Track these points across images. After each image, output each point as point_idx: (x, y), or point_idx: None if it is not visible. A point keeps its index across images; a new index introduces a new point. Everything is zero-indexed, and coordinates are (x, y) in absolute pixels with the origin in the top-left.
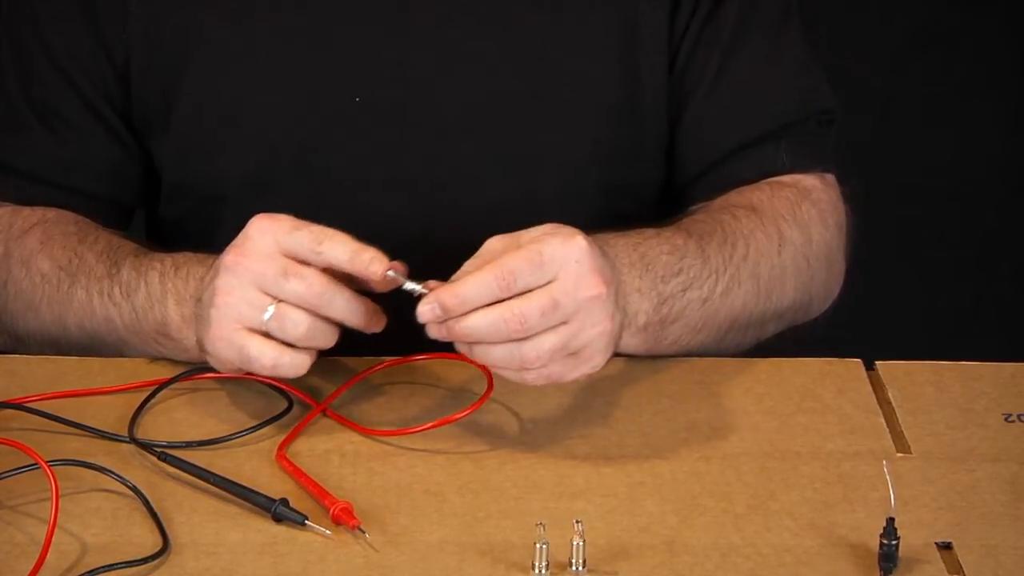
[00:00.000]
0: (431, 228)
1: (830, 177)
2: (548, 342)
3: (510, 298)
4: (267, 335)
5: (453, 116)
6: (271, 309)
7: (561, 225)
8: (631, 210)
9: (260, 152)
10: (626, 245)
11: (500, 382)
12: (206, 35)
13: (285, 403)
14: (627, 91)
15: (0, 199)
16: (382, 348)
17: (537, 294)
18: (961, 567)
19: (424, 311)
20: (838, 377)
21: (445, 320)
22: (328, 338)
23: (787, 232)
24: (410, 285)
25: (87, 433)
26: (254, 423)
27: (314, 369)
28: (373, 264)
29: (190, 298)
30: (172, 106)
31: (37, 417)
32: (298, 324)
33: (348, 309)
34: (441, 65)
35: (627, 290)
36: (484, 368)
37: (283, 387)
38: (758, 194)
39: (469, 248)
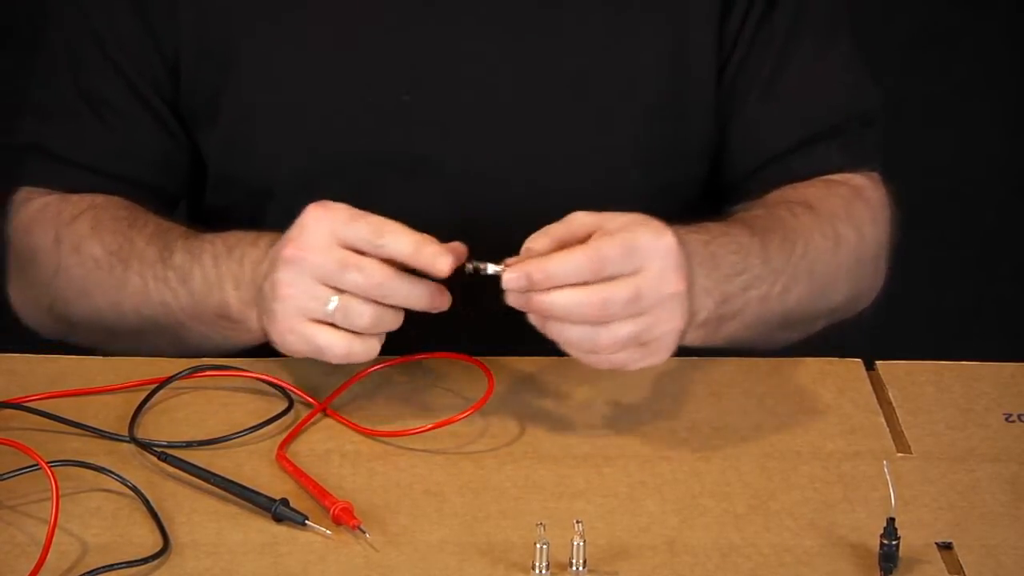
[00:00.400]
0: (470, 227)
1: (876, 176)
2: (624, 330)
3: (595, 281)
4: (334, 325)
5: (497, 116)
6: (334, 301)
7: (649, 217)
8: (673, 208)
9: (306, 149)
10: (697, 242)
11: (500, 382)
12: (252, 31)
13: (285, 403)
14: (674, 92)
15: (48, 187)
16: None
17: (622, 283)
18: (961, 567)
19: (510, 279)
20: (838, 377)
21: (527, 291)
22: (394, 322)
23: (842, 231)
24: (492, 268)
25: (87, 433)
26: (254, 423)
27: (314, 369)
28: (438, 261)
29: (248, 282)
30: (219, 101)
31: (37, 417)
32: (362, 314)
33: (410, 295)
34: (487, 65)
35: (696, 289)
36: (485, 368)
37: (283, 386)
38: (813, 191)
39: (508, 248)
